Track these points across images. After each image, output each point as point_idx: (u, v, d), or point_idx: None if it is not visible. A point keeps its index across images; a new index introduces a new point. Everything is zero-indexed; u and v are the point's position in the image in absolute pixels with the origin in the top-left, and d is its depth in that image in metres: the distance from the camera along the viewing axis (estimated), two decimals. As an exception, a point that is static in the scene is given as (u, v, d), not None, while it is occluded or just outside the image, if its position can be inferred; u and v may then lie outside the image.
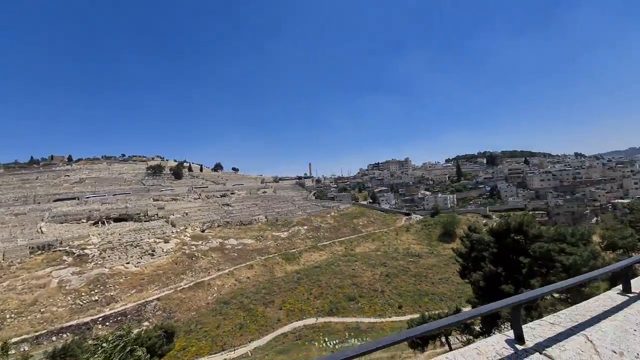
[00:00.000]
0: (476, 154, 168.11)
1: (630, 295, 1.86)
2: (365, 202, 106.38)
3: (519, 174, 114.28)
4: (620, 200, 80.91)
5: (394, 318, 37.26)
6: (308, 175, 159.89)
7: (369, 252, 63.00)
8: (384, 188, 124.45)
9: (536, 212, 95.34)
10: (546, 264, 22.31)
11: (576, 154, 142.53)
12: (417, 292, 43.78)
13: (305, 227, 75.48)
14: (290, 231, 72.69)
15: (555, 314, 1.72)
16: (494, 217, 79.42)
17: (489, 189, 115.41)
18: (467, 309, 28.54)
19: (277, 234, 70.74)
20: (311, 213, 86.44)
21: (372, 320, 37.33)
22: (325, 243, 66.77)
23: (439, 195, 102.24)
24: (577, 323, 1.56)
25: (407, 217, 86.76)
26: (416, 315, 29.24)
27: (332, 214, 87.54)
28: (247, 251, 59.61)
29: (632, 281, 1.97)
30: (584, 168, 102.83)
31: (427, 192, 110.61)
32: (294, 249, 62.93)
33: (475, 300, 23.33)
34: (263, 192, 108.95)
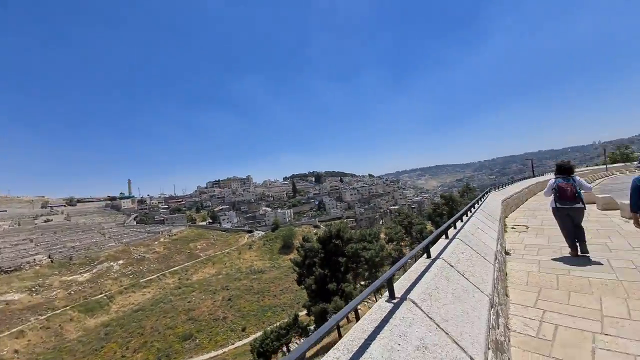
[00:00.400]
0: (307, 173, 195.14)
1: (394, 301, 1.98)
2: (204, 223, 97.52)
3: (337, 190, 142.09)
4: (393, 207, 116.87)
5: (238, 343, 35.09)
6: (127, 194, 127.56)
7: (208, 277, 57.35)
8: (225, 206, 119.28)
9: (348, 219, 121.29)
10: (355, 260, 28.15)
11: (369, 175, 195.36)
12: (261, 309, 43.67)
13: (121, 262, 59.30)
14: (94, 271, 54.70)
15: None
16: (322, 226, 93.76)
17: (317, 202, 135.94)
18: (303, 313, 31.24)
19: (70, 278, 51.29)
20: (130, 242, 69.26)
21: (213, 354, 33.47)
22: (151, 277, 54.93)
23: (279, 210, 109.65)
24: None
25: (249, 234, 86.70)
26: (259, 333, 28.79)
27: (162, 240, 73.98)
28: (13, 312, 39.31)
29: (395, 285, 2.14)
30: (374, 185, 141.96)
31: (268, 209, 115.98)
32: (101, 293, 47.63)
33: (309, 303, 25.79)
34: (45, 221, 76.98)
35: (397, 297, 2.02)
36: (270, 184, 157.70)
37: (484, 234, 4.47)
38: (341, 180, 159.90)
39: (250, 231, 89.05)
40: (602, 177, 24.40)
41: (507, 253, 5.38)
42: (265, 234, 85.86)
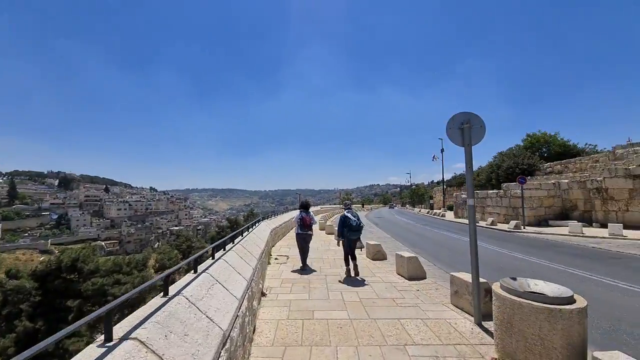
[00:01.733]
0: (46, 172, 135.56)
1: (110, 344, 1.37)
2: None
3: (96, 202, 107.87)
4: (175, 227, 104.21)
5: None
6: None
7: None
8: None
9: (109, 241, 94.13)
10: (99, 300, 20.61)
11: (151, 188, 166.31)
12: None
13: None
14: None
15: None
16: (56, 251, 65.21)
17: (55, 216, 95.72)
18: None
19: None
20: None
21: None
22: None
23: (-37, 225, 65.96)
24: None
25: None
26: None
27: None
28: None
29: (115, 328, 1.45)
30: (154, 200, 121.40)
31: None
32: None
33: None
34: None
35: (116, 339, 1.44)
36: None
37: (238, 273, 3.47)
38: (106, 190, 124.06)
39: None
40: (337, 213, 33.92)
41: (263, 294, 4.73)
42: None
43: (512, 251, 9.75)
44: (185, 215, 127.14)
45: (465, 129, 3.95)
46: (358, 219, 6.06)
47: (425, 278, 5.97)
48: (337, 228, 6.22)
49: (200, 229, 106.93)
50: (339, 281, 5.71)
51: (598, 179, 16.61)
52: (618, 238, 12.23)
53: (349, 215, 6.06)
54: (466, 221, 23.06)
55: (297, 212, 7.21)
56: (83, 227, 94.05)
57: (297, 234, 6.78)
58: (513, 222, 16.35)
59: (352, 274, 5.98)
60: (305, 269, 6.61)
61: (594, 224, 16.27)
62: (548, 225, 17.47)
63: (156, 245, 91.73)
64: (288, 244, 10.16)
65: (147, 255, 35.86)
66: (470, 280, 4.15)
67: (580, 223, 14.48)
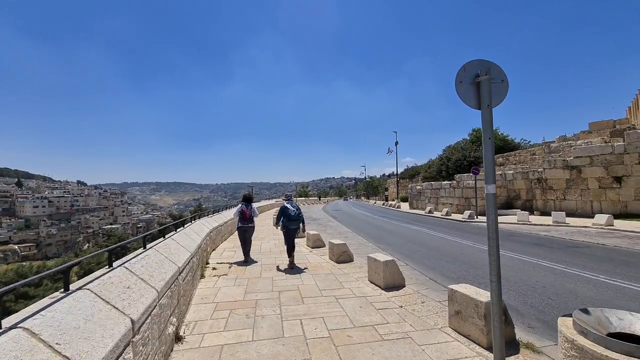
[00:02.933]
0: None
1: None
2: None
3: (6, 198, 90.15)
4: (110, 226, 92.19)
5: None
6: None
7: None
8: None
9: (23, 244, 79.53)
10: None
11: (79, 182, 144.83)
12: None
13: None
14: None
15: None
16: (-57, 260, 52.52)
17: (-54, 217, 77.73)
18: None
19: None
20: None
21: None
22: None
23: None
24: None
25: None
26: None
27: None
28: None
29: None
30: (82, 196, 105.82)
31: None
32: None
33: None
34: None
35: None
36: None
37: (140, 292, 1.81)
38: (19, 184, 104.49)
39: None
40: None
41: (177, 339, 3.00)
42: None
43: (475, 242, 9.31)
44: (123, 212, 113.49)
45: (484, 83, 2.69)
46: (297, 210, 6.30)
47: (404, 286, 4.80)
48: (276, 217, 6.57)
49: (140, 227, 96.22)
50: (295, 298, 4.24)
51: (539, 170, 17.72)
52: (561, 225, 12.86)
53: (288, 205, 6.27)
54: (421, 212, 23.45)
55: (239, 204, 7.23)
56: (-15, 229, 77.76)
57: (238, 227, 6.82)
58: (467, 212, 16.62)
59: (289, 267, 6.14)
60: (247, 262, 6.67)
61: (535, 212, 17.36)
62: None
63: (85, 247, 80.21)
64: (235, 245, 8.34)
65: (66, 259, 30.16)
66: (480, 298, 2.99)
67: (525, 212, 15.15)
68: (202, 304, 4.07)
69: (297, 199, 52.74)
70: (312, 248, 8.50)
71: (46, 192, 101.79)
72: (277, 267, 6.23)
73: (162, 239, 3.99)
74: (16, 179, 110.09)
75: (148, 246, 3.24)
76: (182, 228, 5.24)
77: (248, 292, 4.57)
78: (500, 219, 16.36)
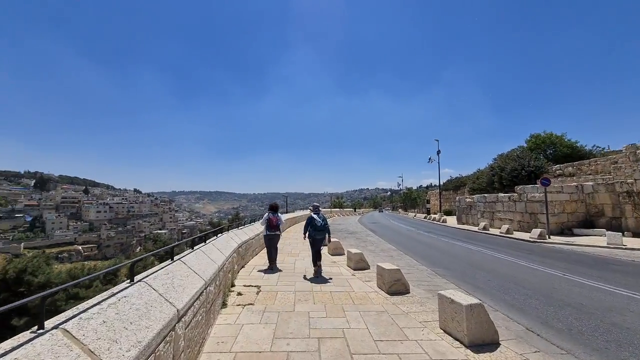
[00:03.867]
0: (22, 172, 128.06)
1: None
2: None
3: (74, 204, 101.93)
4: (159, 231, 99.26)
5: None
6: None
7: None
8: None
9: (86, 245, 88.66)
10: (50, 317, 17.24)
11: (135, 190, 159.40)
12: None
13: None
14: None
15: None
16: (29, 255, 60.24)
17: (30, 219, 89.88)
18: None
19: None
20: None
21: None
22: None
23: None
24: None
25: None
26: None
27: None
28: None
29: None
30: (137, 203, 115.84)
31: None
32: None
33: None
34: None
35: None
36: None
37: None
38: (86, 192, 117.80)
39: None
40: (329, 216, 31.13)
41: None
42: None
43: (564, 272, 7.22)
44: (170, 218, 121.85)
45: None
46: (324, 221, 6.52)
47: (498, 343, 3.31)
48: (304, 227, 6.72)
49: (185, 232, 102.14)
50: (341, 354, 3.02)
51: (629, 181, 14.49)
52: (676, 252, 9.98)
53: (315, 216, 6.53)
54: (473, 228, 20.52)
55: (266, 213, 7.32)
56: (59, 230, 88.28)
57: (265, 235, 7.02)
58: (536, 231, 13.97)
59: (314, 275, 6.33)
60: (272, 269, 6.89)
61: (625, 232, 14.12)
62: (573, 234, 15.21)
63: (138, 250, 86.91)
64: (265, 262, 7.36)
65: (117, 261, 32.11)
66: None
67: (618, 233, 12.21)
68: (215, 354, 3.03)
69: (332, 209, 51.46)
70: (355, 270, 7.20)
71: (108, 199, 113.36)
72: (304, 276, 6.40)
73: (170, 261, 3.08)
74: (84, 187, 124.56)
75: (136, 279, 2.29)
76: (202, 244, 4.34)
77: (277, 336, 3.44)
78: (579, 240, 13.48)
